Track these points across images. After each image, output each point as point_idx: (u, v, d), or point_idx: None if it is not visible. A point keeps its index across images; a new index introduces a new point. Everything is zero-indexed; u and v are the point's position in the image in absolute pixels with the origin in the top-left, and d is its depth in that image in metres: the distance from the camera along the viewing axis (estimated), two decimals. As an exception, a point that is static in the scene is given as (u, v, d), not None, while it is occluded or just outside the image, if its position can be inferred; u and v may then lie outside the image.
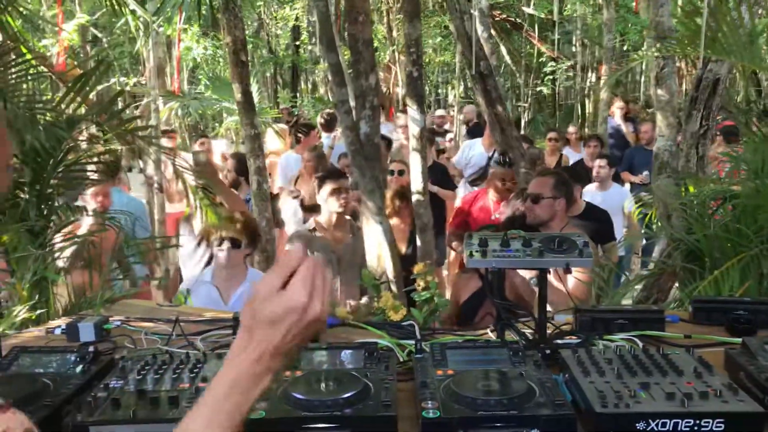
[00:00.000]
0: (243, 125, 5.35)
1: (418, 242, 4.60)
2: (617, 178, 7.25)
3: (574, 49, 17.45)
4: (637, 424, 1.30)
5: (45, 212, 3.40)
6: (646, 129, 8.15)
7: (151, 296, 4.69)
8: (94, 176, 3.90)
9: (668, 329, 1.96)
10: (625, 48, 15.69)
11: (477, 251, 1.75)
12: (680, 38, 4.53)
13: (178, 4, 6.68)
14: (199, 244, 3.62)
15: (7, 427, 0.91)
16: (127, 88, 10.04)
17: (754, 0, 4.37)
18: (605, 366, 1.51)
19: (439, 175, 6.24)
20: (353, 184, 4.69)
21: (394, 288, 3.92)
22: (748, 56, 3.84)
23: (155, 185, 6.21)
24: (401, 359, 1.79)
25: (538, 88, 17.86)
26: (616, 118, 10.26)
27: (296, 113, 14.27)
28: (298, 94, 18.47)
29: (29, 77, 3.75)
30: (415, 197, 4.41)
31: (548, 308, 1.88)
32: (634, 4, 13.80)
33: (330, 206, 4.19)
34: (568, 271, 1.77)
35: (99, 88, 4.31)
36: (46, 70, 5.59)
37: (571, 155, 8.76)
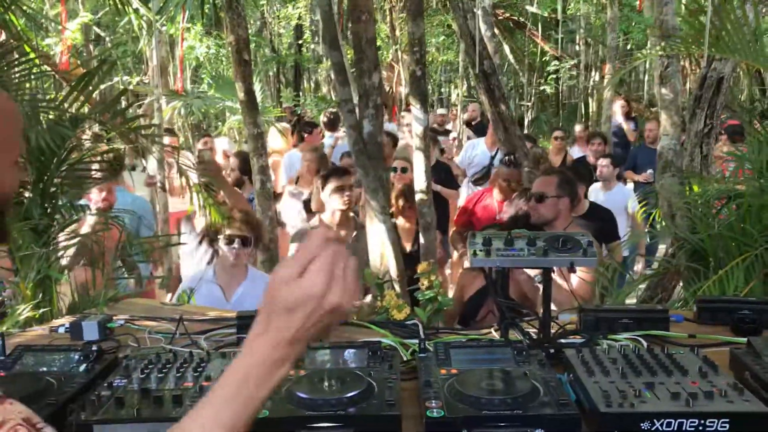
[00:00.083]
0: (246, 124, 5.35)
1: (422, 241, 4.60)
2: (620, 178, 7.23)
3: (577, 47, 17.41)
4: (641, 424, 1.29)
5: (49, 211, 3.40)
6: (651, 128, 8.12)
7: (155, 295, 4.69)
8: (98, 175, 3.90)
9: (673, 329, 1.95)
10: (628, 47, 15.67)
11: (481, 250, 1.74)
12: (684, 37, 4.52)
13: (181, 3, 6.68)
14: (200, 242, 3.62)
15: (3, 419, 0.90)
16: (130, 87, 10.04)
17: (758, -2, 4.35)
18: (609, 365, 1.51)
19: (443, 174, 6.24)
20: (358, 182, 4.70)
21: (397, 287, 3.91)
22: (752, 55, 3.83)
23: (158, 184, 6.22)
24: (405, 358, 1.78)
25: (542, 87, 17.84)
26: (617, 117, 10.24)
27: (299, 112, 14.27)
28: (300, 93, 18.47)
29: (32, 76, 3.75)
30: (418, 196, 4.40)
31: (552, 307, 1.87)
32: (637, 2, 13.76)
33: (333, 204, 4.20)
34: (572, 270, 1.77)
35: (102, 87, 4.31)
36: (49, 69, 5.61)
37: (578, 155, 8.74)
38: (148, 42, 9.13)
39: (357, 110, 4.17)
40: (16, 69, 3.57)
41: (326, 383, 1.44)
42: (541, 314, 1.85)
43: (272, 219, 5.31)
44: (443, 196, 5.98)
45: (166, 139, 5.76)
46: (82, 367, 1.63)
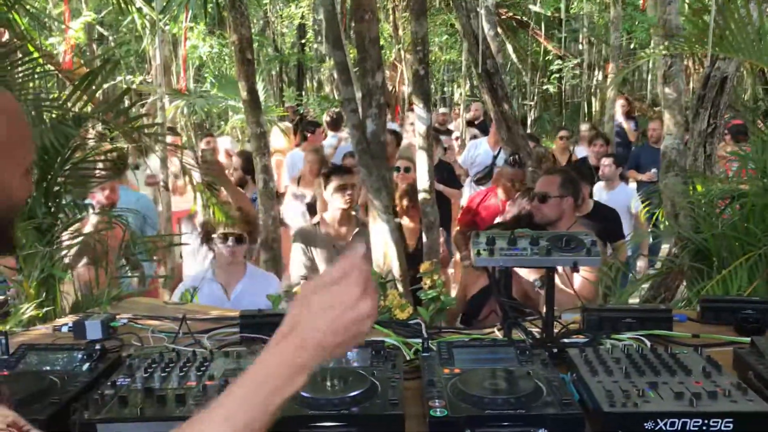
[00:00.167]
0: (249, 123, 5.35)
1: (425, 240, 4.60)
2: (623, 177, 7.22)
3: (580, 47, 17.38)
4: (645, 424, 1.29)
5: (52, 210, 3.41)
6: (654, 127, 8.10)
7: (158, 294, 4.70)
8: (102, 174, 3.91)
9: (676, 328, 1.95)
10: (632, 46, 15.64)
11: (484, 249, 1.74)
12: (688, 36, 4.52)
13: (184, 2, 6.68)
14: (202, 242, 3.64)
15: None
16: (133, 87, 10.06)
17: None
18: (613, 365, 1.50)
19: (445, 173, 6.24)
20: (360, 181, 4.70)
21: (400, 286, 3.92)
22: (756, 54, 3.83)
23: (161, 183, 6.23)
24: (408, 358, 1.78)
25: (545, 87, 17.81)
26: (617, 116, 10.22)
27: (301, 111, 14.27)
28: (303, 93, 18.47)
29: (36, 75, 3.76)
30: (421, 195, 4.41)
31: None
32: (641, 1, 13.74)
33: (335, 203, 4.20)
34: (575, 270, 1.76)
35: (105, 86, 4.31)
36: (52, 68, 5.61)
37: (582, 154, 8.72)
38: (151, 41, 9.15)
39: (360, 109, 4.17)
40: (20, 68, 3.58)
41: (329, 382, 1.44)
42: (544, 314, 1.85)
43: (275, 218, 5.31)
44: (446, 195, 5.99)
45: (169, 138, 5.76)
46: (86, 366, 1.63)
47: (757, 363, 1.51)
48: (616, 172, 6.53)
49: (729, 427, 1.28)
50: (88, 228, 3.75)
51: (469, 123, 11.73)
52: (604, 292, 3.44)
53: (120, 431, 1.34)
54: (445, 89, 23.33)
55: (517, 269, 3.17)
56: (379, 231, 4.10)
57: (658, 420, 1.29)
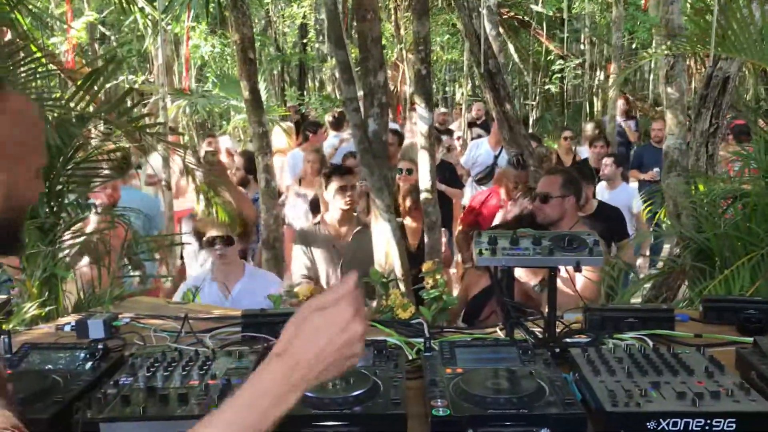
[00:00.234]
0: (251, 123, 5.35)
1: (426, 240, 4.60)
2: (624, 177, 7.21)
3: (582, 47, 17.37)
4: (647, 424, 1.29)
5: (55, 209, 3.41)
6: (658, 127, 8.09)
7: (164, 293, 4.70)
8: (105, 173, 3.91)
9: (678, 328, 1.95)
10: (633, 46, 15.61)
11: (486, 249, 1.74)
12: (690, 36, 4.51)
13: (186, 2, 6.69)
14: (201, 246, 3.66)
15: None
16: (136, 86, 10.07)
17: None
18: (615, 365, 1.51)
19: (447, 173, 6.24)
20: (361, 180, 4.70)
21: (402, 286, 3.91)
22: (758, 54, 3.82)
23: (163, 182, 6.23)
24: (410, 357, 1.79)
25: (546, 87, 17.79)
26: (617, 116, 10.22)
27: (303, 111, 14.27)
28: (305, 92, 18.46)
29: (38, 75, 3.76)
30: (423, 195, 4.41)
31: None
32: (643, 1, 13.73)
33: (336, 204, 4.20)
34: (578, 269, 1.76)
35: (107, 86, 4.32)
36: (55, 67, 5.61)
37: (585, 155, 8.71)
38: (153, 41, 9.15)
39: (362, 109, 4.17)
40: (22, 68, 3.58)
41: (332, 382, 1.44)
42: (546, 314, 1.85)
43: (277, 217, 5.31)
44: (447, 195, 5.99)
45: (170, 138, 5.76)
46: (88, 365, 1.64)
47: (760, 363, 1.51)
48: (616, 171, 6.52)
49: (732, 427, 1.28)
50: (88, 228, 3.75)
51: (472, 123, 11.72)
52: (607, 292, 3.44)
53: (123, 430, 1.34)
54: (447, 89, 23.33)
55: (517, 274, 3.17)
56: (381, 230, 4.09)
57: (661, 420, 1.29)
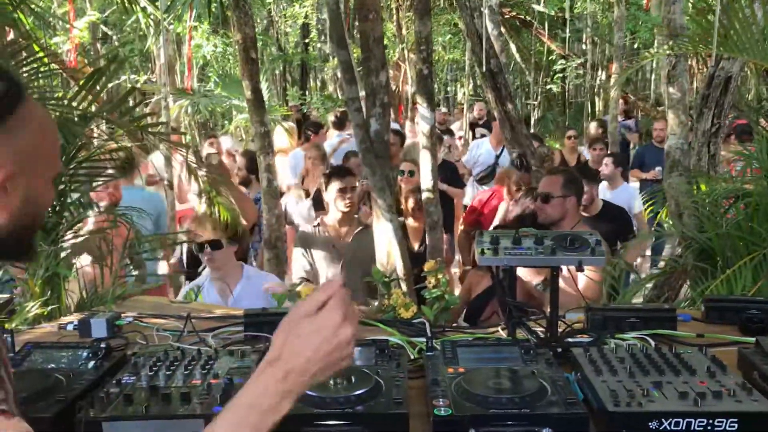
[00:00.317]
0: (253, 123, 5.35)
1: (428, 240, 4.60)
2: (624, 177, 7.20)
3: (584, 46, 17.36)
4: (649, 424, 1.29)
5: (57, 209, 3.41)
6: (660, 127, 8.09)
7: (167, 293, 4.70)
8: (109, 173, 3.91)
9: (680, 328, 1.95)
10: (635, 46, 15.61)
11: (489, 249, 1.75)
12: (692, 36, 4.50)
13: (188, 1, 6.69)
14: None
15: None
16: (138, 86, 10.08)
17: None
18: (617, 365, 1.51)
19: (449, 173, 6.24)
20: (362, 179, 4.70)
21: (404, 285, 3.91)
22: (760, 54, 3.82)
23: (165, 182, 6.24)
24: (412, 357, 1.79)
25: (548, 86, 17.79)
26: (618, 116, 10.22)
27: (305, 111, 14.27)
28: (307, 92, 18.48)
29: (41, 74, 3.77)
30: (424, 195, 4.41)
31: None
32: (645, 1, 13.72)
33: (336, 205, 4.21)
34: (580, 269, 1.77)
35: (109, 85, 4.32)
36: (57, 67, 5.62)
37: (587, 154, 8.70)
38: (155, 40, 9.16)
39: (364, 109, 4.17)
40: (25, 68, 3.58)
41: (334, 381, 1.44)
42: (548, 313, 1.85)
43: (278, 217, 5.32)
44: (449, 194, 5.99)
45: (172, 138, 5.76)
46: (91, 364, 1.64)
47: (762, 363, 1.51)
48: (615, 171, 6.53)
49: (734, 427, 1.28)
50: (87, 227, 3.75)
51: (474, 124, 11.72)
52: (609, 292, 3.43)
53: (125, 429, 1.34)
54: (449, 89, 23.34)
55: (519, 273, 3.17)
56: (383, 230, 4.10)
57: (663, 420, 1.29)
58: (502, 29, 11.50)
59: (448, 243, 5.38)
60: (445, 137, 7.84)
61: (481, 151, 7.55)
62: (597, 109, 16.65)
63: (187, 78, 10.98)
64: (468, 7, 5.37)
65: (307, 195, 6.02)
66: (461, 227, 5.86)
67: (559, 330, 1.86)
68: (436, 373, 1.50)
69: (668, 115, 4.92)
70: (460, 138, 10.39)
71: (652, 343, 1.79)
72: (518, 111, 5.70)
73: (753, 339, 1.72)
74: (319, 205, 5.19)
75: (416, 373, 1.64)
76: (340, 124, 8.53)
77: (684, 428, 1.29)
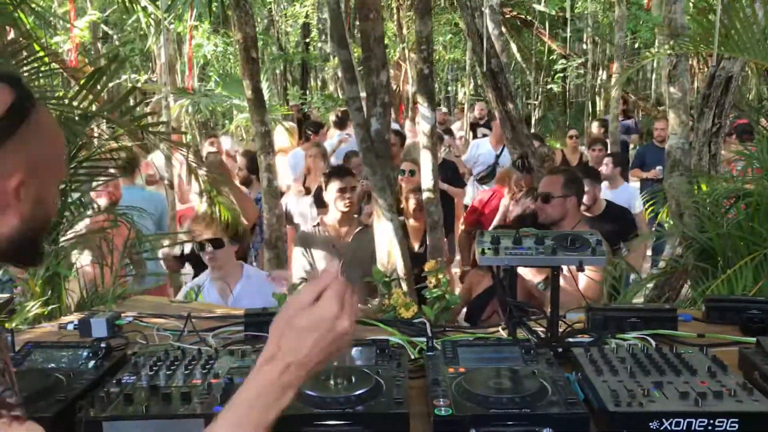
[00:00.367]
0: (253, 122, 5.36)
1: (428, 239, 4.60)
2: (624, 177, 7.20)
3: (585, 46, 17.36)
4: (650, 424, 1.29)
5: (58, 208, 3.41)
6: (661, 126, 8.09)
7: (168, 293, 4.71)
8: (110, 172, 3.91)
9: (681, 328, 1.94)
10: (636, 45, 15.61)
11: (489, 248, 1.74)
12: (693, 35, 4.50)
13: (189, 1, 6.69)
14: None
15: None
16: (138, 85, 10.08)
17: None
18: (618, 365, 1.50)
19: (449, 172, 6.24)
20: (362, 178, 4.70)
21: (404, 285, 3.91)
22: (761, 53, 3.81)
23: (165, 182, 6.24)
24: (412, 356, 1.78)
25: (549, 86, 17.79)
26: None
27: (306, 110, 14.28)
28: (307, 92, 18.49)
29: (41, 74, 3.77)
30: (425, 194, 4.41)
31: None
32: (645, 1, 13.72)
33: (336, 205, 4.21)
34: (581, 269, 1.76)
35: (110, 85, 4.32)
36: (58, 66, 5.62)
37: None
38: (156, 40, 9.16)
39: (365, 108, 4.17)
40: (26, 67, 3.58)
41: (334, 381, 1.44)
42: (548, 313, 1.85)
43: (279, 216, 5.32)
44: (449, 194, 5.99)
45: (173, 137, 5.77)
46: (91, 364, 1.64)
47: (763, 363, 1.51)
48: (615, 171, 6.54)
49: (734, 427, 1.28)
50: (84, 222, 3.75)
51: (475, 124, 11.72)
52: (610, 292, 3.43)
53: (125, 429, 1.34)
54: (449, 88, 23.34)
55: (520, 271, 3.18)
56: (384, 230, 4.09)
57: (663, 420, 1.29)
58: (503, 29, 11.50)
59: (449, 243, 5.38)
60: (446, 137, 7.84)
61: (481, 150, 7.55)
62: (598, 108, 16.65)
63: (188, 77, 10.99)
64: (469, 7, 5.37)
65: (308, 193, 6.02)
66: (462, 227, 5.86)
67: (560, 330, 1.85)
68: (436, 372, 1.50)
69: (669, 114, 4.92)
70: (460, 138, 10.39)
71: (653, 343, 1.78)
72: (519, 111, 5.70)
73: (754, 339, 1.71)
74: (320, 202, 5.19)
75: (417, 373, 1.64)
76: (341, 123, 8.54)
77: (685, 428, 1.29)
